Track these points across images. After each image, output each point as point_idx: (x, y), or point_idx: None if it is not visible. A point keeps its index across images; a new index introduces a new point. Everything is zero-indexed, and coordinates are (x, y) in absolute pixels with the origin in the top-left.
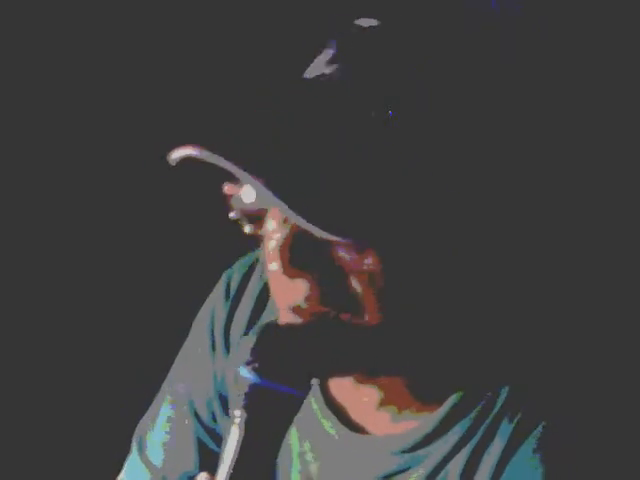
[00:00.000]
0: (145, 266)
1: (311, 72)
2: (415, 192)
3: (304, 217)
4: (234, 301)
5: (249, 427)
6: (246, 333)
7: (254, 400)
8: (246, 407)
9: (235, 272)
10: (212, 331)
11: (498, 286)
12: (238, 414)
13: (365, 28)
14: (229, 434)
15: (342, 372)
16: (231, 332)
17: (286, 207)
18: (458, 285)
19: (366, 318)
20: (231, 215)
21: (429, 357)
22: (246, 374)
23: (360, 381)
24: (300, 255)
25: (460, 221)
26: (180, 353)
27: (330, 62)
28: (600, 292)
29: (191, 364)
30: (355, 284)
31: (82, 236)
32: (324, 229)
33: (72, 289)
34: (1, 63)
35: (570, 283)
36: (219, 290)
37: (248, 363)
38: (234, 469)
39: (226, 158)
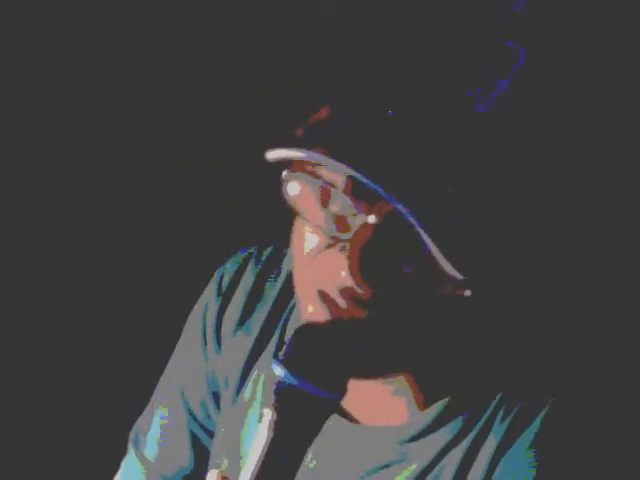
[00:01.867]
0: (139, 265)
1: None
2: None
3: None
4: (226, 297)
5: (278, 428)
6: (237, 329)
7: (286, 401)
8: (276, 408)
9: (227, 269)
10: (204, 328)
11: (496, 286)
12: (268, 414)
13: None
14: (256, 434)
15: (380, 373)
16: (222, 328)
17: (425, 235)
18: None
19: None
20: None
21: (428, 353)
22: (281, 373)
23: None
24: (372, 265)
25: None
26: (174, 353)
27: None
28: (591, 292)
29: (185, 362)
30: (415, 299)
31: (77, 233)
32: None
33: (68, 288)
34: (2, 64)
35: (563, 283)
36: (211, 287)
37: (283, 362)
38: (259, 470)
39: (371, 179)
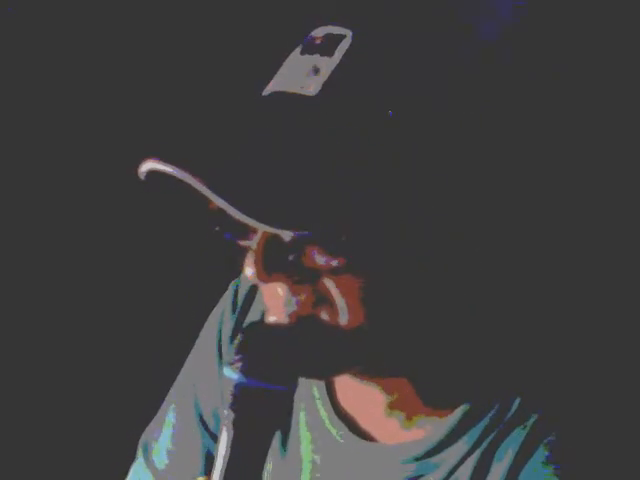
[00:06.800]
0: (153, 275)
1: (287, 84)
2: (384, 186)
3: (237, 207)
4: (241, 312)
5: (237, 427)
6: None
7: (241, 400)
8: (233, 407)
9: (242, 282)
10: (219, 342)
11: (509, 292)
12: (227, 414)
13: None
14: (220, 435)
15: (328, 371)
16: None
17: (214, 196)
18: (462, 290)
19: (347, 320)
20: (217, 229)
21: (438, 363)
22: (231, 374)
23: (368, 388)
24: (272, 260)
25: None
26: (187, 362)
27: (312, 73)
28: (612, 300)
29: (198, 373)
30: (330, 286)
31: (88, 242)
32: (261, 220)
33: (78, 295)
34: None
35: (583, 290)
36: (226, 301)
37: (232, 363)
38: (227, 469)
39: (169, 162)
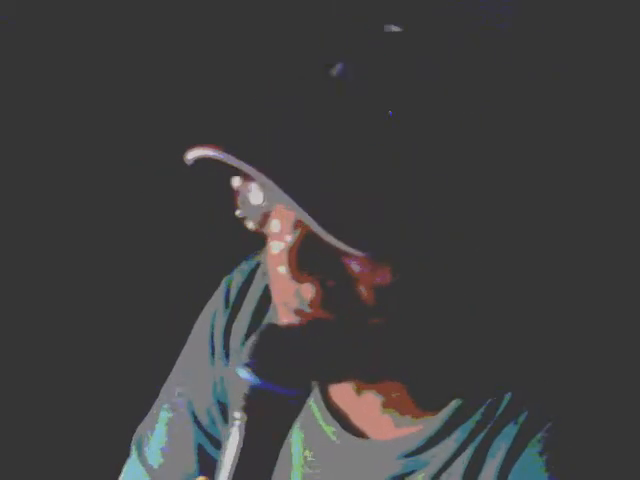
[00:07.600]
0: (144, 271)
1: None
2: (434, 208)
3: (328, 230)
4: (234, 308)
5: (249, 429)
6: (246, 340)
7: (253, 402)
8: (245, 409)
9: (235, 279)
10: (212, 338)
11: (500, 288)
12: (238, 416)
13: (379, 33)
14: (229, 436)
15: (341, 376)
16: (231, 339)
17: (311, 219)
18: (459, 289)
19: (366, 322)
20: (237, 213)
21: (430, 360)
22: (245, 375)
23: (361, 386)
24: (310, 260)
25: (469, 232)
26: (179, 359)
27: (350, 63)
28: (600, 293)
29: (191, 370)
30: (363, 293)
31: (79, 237)
32: (348, 243)
33: (71, 291)
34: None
35: (572, 283)
36: (219, 297)
37: (247, 364)
38: (234, 472)
39: (250, 164)
